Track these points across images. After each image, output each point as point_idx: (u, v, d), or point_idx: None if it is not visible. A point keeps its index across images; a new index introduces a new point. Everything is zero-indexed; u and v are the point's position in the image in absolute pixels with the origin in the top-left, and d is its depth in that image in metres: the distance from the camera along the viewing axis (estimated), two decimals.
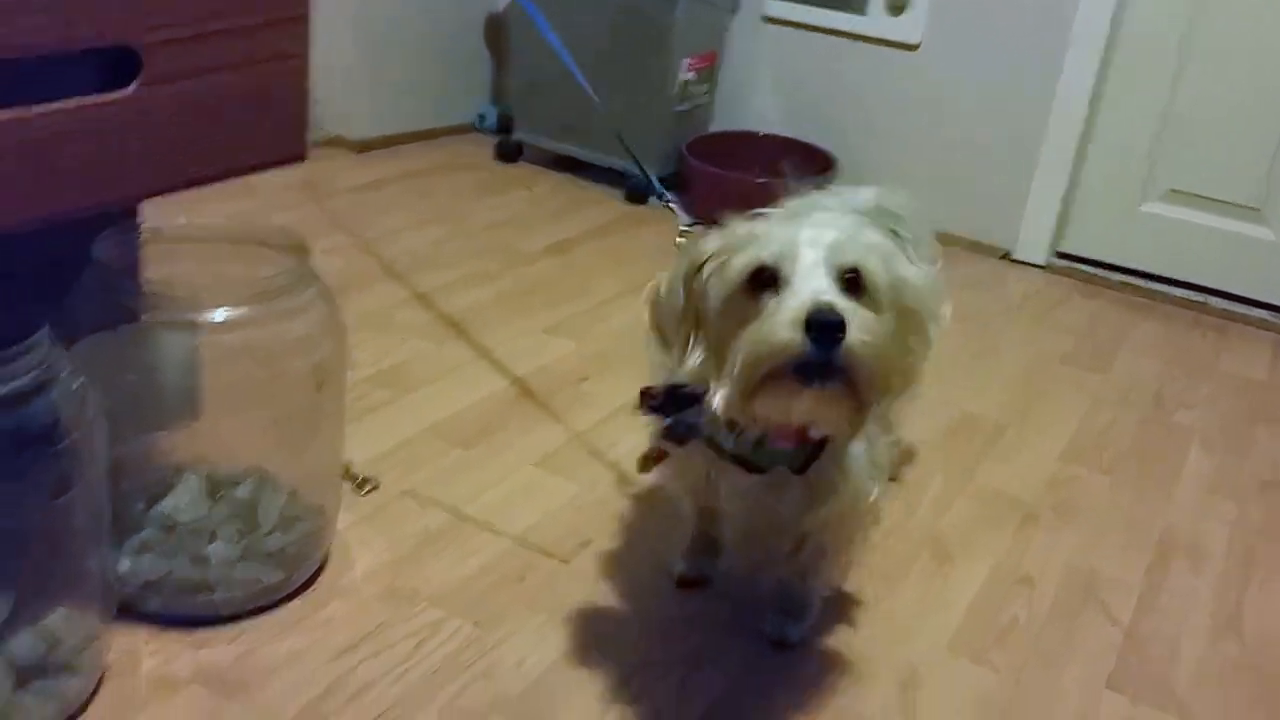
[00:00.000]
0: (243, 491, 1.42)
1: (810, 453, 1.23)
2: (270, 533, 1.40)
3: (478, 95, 3.59)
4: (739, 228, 1.13)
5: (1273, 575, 1.72)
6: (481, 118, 3.57)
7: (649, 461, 1.33)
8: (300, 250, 1.38)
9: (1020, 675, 1.44)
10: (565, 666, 1.34)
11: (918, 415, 1.98)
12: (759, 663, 1.40)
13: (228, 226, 1.44)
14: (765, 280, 1.06)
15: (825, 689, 1.37)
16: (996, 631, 1.52)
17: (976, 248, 3.07)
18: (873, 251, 1.10)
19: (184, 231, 1.43)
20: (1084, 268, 3.01)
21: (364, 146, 3.25)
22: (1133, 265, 2.96)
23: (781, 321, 1.01)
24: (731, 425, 1.18)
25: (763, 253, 1.07)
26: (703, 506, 1.47)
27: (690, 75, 3.14)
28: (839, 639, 1.46)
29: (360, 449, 1.70)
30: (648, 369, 1.30)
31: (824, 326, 1.00)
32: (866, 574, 1.59)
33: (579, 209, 3.02)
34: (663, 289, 1.17)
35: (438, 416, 1.87)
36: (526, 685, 1.31)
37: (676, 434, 1.25)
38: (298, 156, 1.37)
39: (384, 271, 2.44)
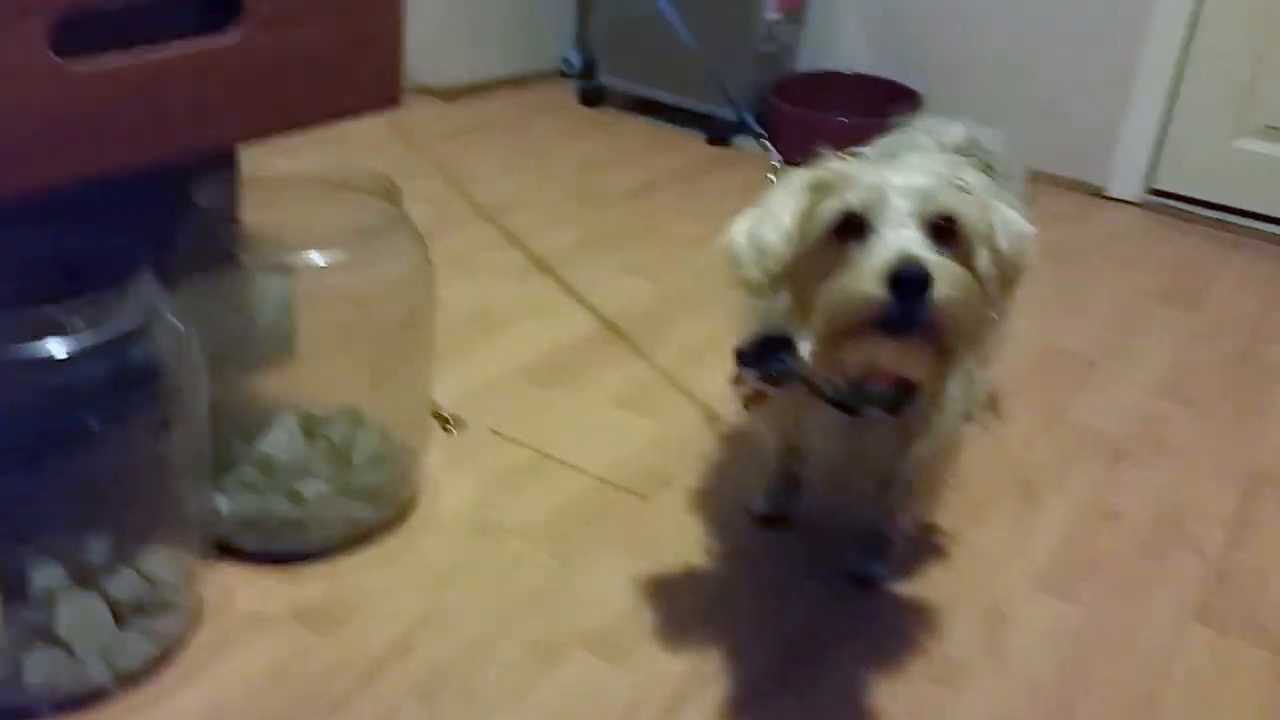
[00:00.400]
0: (336, 431, 1.45)
1: (905, 393, 1.21)
2: (362, 470, 1.43)
3: (563, 41, 3.58)
4: (830, 167, 1.10)
5: None
6: (567, 62, 3.56)
7: (751, 402, 1.32)
8: (392, 195, 1.40)
9: (1106, 609, 1.43)
10: (645, 601, 1.36)
11: (1007, 352, 1.96)
12: (840, 600, 1.41)
13: (322, 172, 1.46)
14: (853, 227, 1.04)
15: (908, 626, 1.37)
16: (1083, 567, 1.50)
17: (1069, 184, 3.00)
18: (967, 197, 1.06)
19: (281, 177, 1.46)
20: (1177, 204, 2.92)
21: (452, 93, 3.27)
22: (1227, 202, 2.86)
23: (866, 274, 0.99)
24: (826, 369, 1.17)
25: (851, 199, 1.04)
26: (789, 444, 1.47)
27: (776, 15, 3.09)
28: (922, 576, 1.46)
29: (447, 389, 1.73)
30: (732, 317, 1.30)
31: (909, 282, 0.97)
32: (952, 512, 1.57)
33: (661, 152, 3.01)
34: (748, 229, 1.13)
35: (522, 356, 1.90)
36: (607, 618, 1.33)
37: (774, 378, 1.24)
38: (393, 101, 1.39)
39: (471, 215, 2.47)
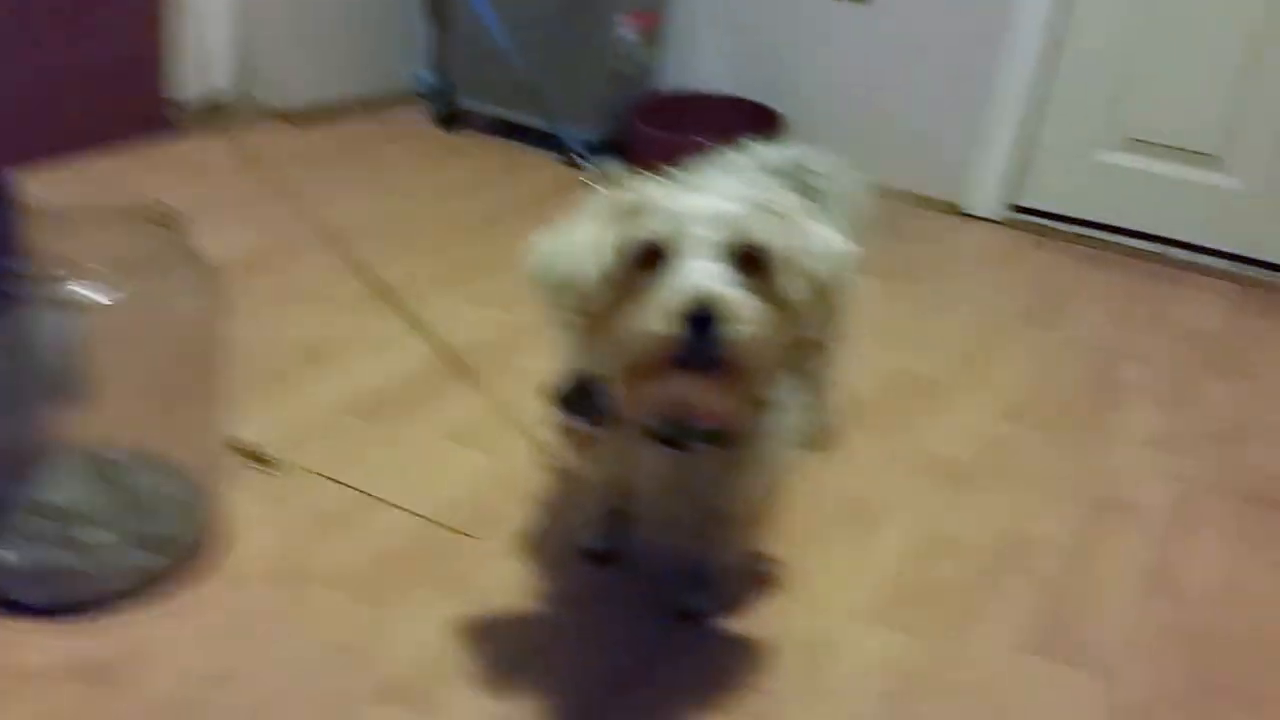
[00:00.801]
0: (126, 475, 1.36)
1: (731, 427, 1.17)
2: (153, 517, 1.35)
3: (418, 62, 3.50)
4: (637, 191, 1.06)
5: (1212, 531, 1.68)
6: (420, 82, 3.49)
7: (578, 444, 1.29)
8: (173, 224, 1.32)
9: (935, 640, 1.40)
10: (463, 647, 1.29)
11: (855, 375, 1.94)
12: (664, 638, 1.35)
13: (106, 204, 1.38)
14: (655, 257, 1.00)
15: (731, 661, 1.33)
16: (917, 595, 1.47)
17: (931, 203, 3.01)
18: (775, 222, 1.03)
19: (61, 208, 1.37)
20: (1039, 220, 2.95)
21: (302, 117, 3.17)
22: (1089, 217, 2.90)
23: (658, 311, 0.97)
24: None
25: (651, 229, 1.00)
26: (618, 482, 1.41)
27: (629, 34, 3.05)
28: (752, 608, 1.42)
29: (269, 427, 1.65)
30: (553, 352, 1.25)
31: (699, 320, 0.95)
32: (786, 540, 1.53)
33: (517, 175, 2.95)
34: (549, 257, 1.08)
35: (354, 391, 1.82)
36: (418, 668, 1.26)
37: (596, 418, 1.20)
38: (160, 125, 1.32)
39: (316, 243, 2.37)
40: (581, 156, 1.57)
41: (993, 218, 2.96)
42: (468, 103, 3.25)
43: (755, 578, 1.47)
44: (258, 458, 1.58)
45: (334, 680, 1.23)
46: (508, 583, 1.41)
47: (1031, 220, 2.95)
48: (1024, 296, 2.50)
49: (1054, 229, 2.92)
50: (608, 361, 1.06)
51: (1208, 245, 2.78)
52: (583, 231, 1.06)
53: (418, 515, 1.52)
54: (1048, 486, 1.75)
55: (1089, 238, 2.88)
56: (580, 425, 1.23)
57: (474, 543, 1.48)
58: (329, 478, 1.57)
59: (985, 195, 2.96)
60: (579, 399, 1.20)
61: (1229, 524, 1.70)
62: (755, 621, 1.39)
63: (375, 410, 1.76)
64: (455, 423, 1.76)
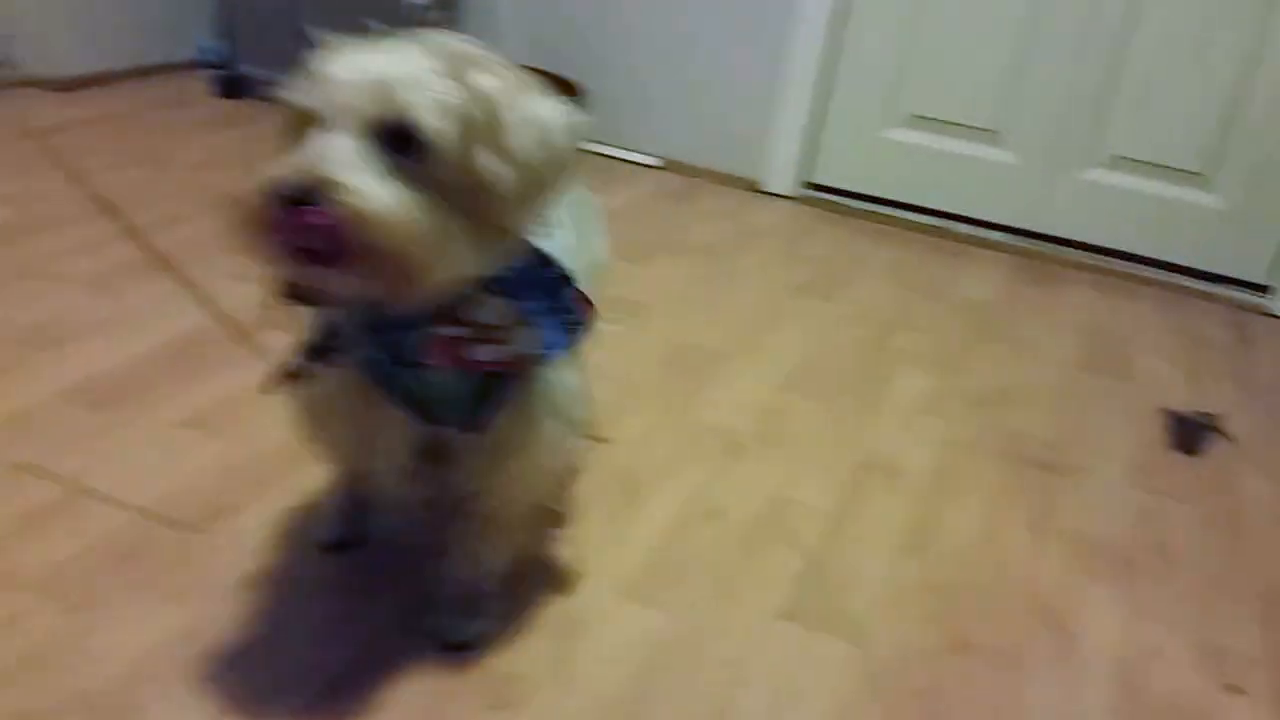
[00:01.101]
0: None
1: (485, 397, 1.07)
2: None
3: (202, 30, 3.32)
4: (318, 60, 0.95)
5: (968, 490, 1.70)
6: (204, 51, 3.30)
7: (281, 380, 1.13)
8: None
9: (692, 613, 1.36)
10: (171, 650, 1.19)
11: (634, 350, 1.90)
12: (398, 628, 1.28)
13: None
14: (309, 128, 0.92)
15: (479, 648, 1.26)
16: (676, 570, 1.44)
17: (729, 180, 3.01)
18: (436, 93, 0.90)
19: None
20: (831, 198, 2.98)
21: (69, 84, 2.96)
22: (878, 193, 2.95)
23: (261, 176, 0.88)
24: (375, 328, 1.03)
25: (300, 99, 0.93)
26: (353, 464, 1.28)
27: (423, 1, 2.95)
28: (504, 594, 1.35)
29: None
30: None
31: (283, 193, 0.86)
32: (549, 520, 1.48)
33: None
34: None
35: (77, 376, 1.68)
36: (114, 678, 1.15)
37: (322, 345, 1.08)
38: None
39: (63, 218, 2.20)
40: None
41: (789, 195, 2.98)
42: (251, 70, 3.10)
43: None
44: None
45: (15, 697, 1.11)
46: (233, 580, 1.31)
47: (824, 197, 2.98)
48: (810, 271, 2.51)
49: (845, 205, 2.96)
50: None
51: (988, 219, 2.85)
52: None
53: (132, 508, 1.40)
54: (816, 454, 1.75)
55: (878, 214, 2.92)
56: (309, 361, 1.10)
57: (200, 538, 1.37)
58: (39, 472, 1.44)
59: (781, 173, 2.98)
60: (323, 348, 1.09)
61: (986, 483, 1.72)
62: (507, 601, 1.33)
63: (107, 398, 1.63)
64: (193, 408, 1.64)
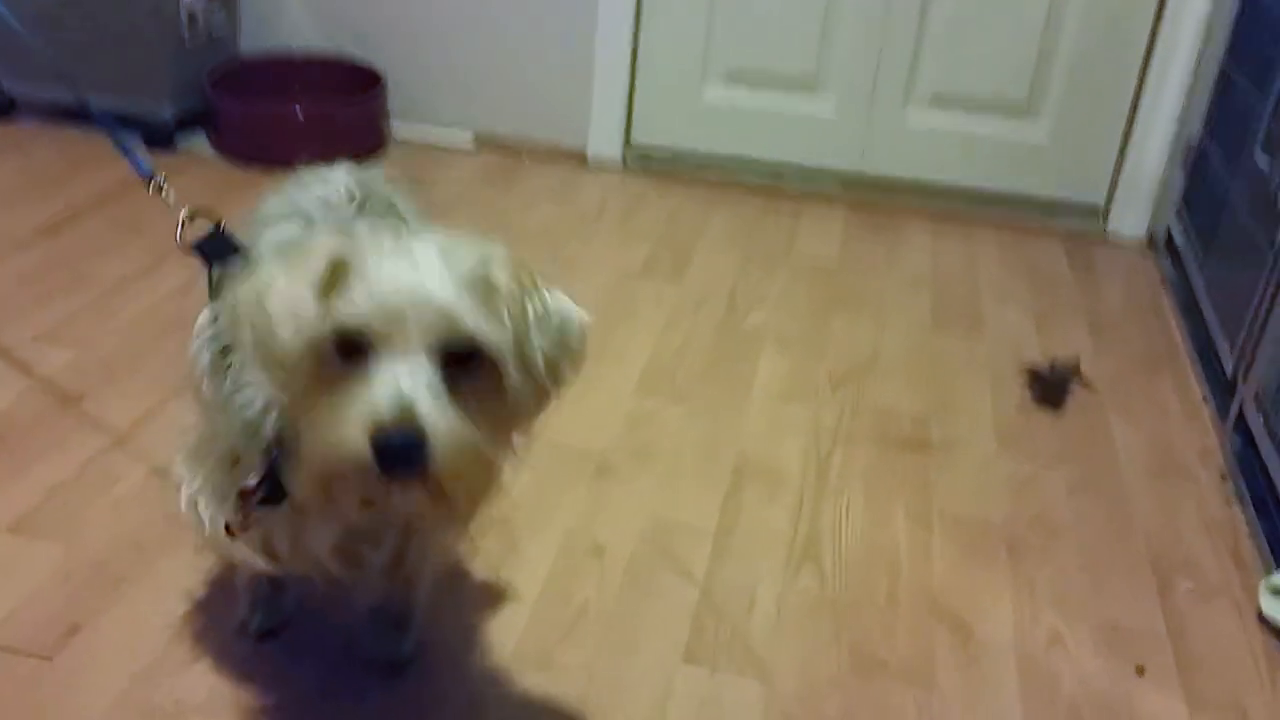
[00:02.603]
0: None
1: None
2: None
3: None
4: (346, 249, 0.91)
5: (846, 485, 1.70)
6: None
7: (233, 532, 1.10)
8: None
9: (592, 670, 1.32)
10: None
11: None
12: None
13: None
14: (357, 345, 0.88)
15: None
16: (565, 624, 1.39)
17: (553, 154, 2.92)
18: (496, 307, 0.91)
19: None
20: (660, 165, 2.92)
21: None
22: (704, 151, 2.91)
23: (353, 427, 0.86)
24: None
25: (352, 316, 0.88)
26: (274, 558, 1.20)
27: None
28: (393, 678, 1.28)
29: None
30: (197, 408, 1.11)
31: (395, 451, 0.85)
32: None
33: (86, 170, 2.59)
34: (272, 300, 0.91)
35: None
36: None
37: (266, 499, 1.05)
38: None
39: None
40: (123, 146, 1.35)
41: (616, 166, 2.91)
42: (16, 87, 2.82)
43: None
44: None
45: None
46: (96, 708, 1.20)
47: (653, 165, 2.93)
48: (648, 249, 2.46)
49: (675, 172, 2.91)
50: (300, 461, 0.93)
51: (815, 167, 2.85)
52: (280, 286, 0.91)
53: None
54: (689, 465, 1.72)
55: (706, 177, 2.89)
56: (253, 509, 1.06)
57: (47, 663, 1.25)
58: None
59: (606, 142, 2.91)
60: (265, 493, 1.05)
61: (862, 473, 1.73)
62: (404, 687, 1.25)
63: None
64: (11, 509, 1.49)
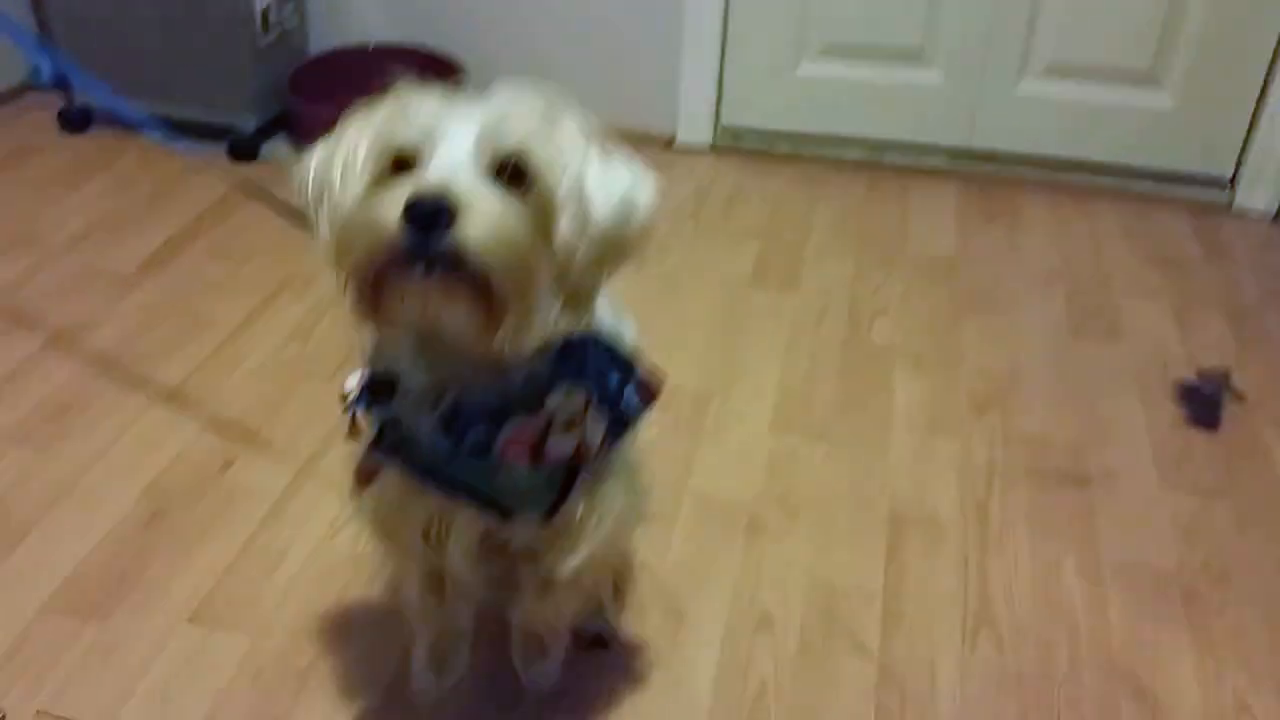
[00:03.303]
0: None
1: (561, 482, 1.11)
2: None
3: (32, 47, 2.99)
4: (398, 99, 0.97)
5: (1008, 533, 1.68)
6: (37, 72, 2.99)
7: (362, 480, 1.15)
8: None
9: None
10: None
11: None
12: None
13: None
14: (407, 165, 0.94)
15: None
16: (746, 708, 1.40)
17: (640, 138, 2.85)
18: (546, 136, 0.95)
19: None
20: (751, 145, 2.87)
21: None
22: (800, 131, 2.85)
23: (384, 205, 0.89)
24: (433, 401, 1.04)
25: (402, 134, 0.94)
26: (425, 571, 1.28)
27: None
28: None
29: None
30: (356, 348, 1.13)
31: (422, 210, 0.87)
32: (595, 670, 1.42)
33: (178, 188, 2.58)
34: (337, 157, 0.98)
35: (51, 580, 1.54)
36: None
37: (386, 439, 1.09)
38: None
39: None
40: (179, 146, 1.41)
41: (705, 149, 2.86)
42: (90, 94, 2.81)
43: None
44: None
45: None
46: None
47: (745, 147, 2.87)
48: (756, 250, 2.42)
49: (768, 153, 2.85)
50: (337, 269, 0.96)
51: (923, 140, 2.78)
52: (341, 143, 0.99)
53: None
54: (841, 516, 1.71)
55: (805, 159, 2.83)
56: (376, 454, 1.11)
57: None
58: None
59: (696, 125, 2.86)
60: (374, 399, 1.09)
61: (1024, 520, 1.71)
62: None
63: (85, 604, 1.51)
64: (188, 596, 1.52)
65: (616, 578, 1.49)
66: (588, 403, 1.07)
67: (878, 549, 1.64)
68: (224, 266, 2.31)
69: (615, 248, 0.99)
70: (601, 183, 0.97)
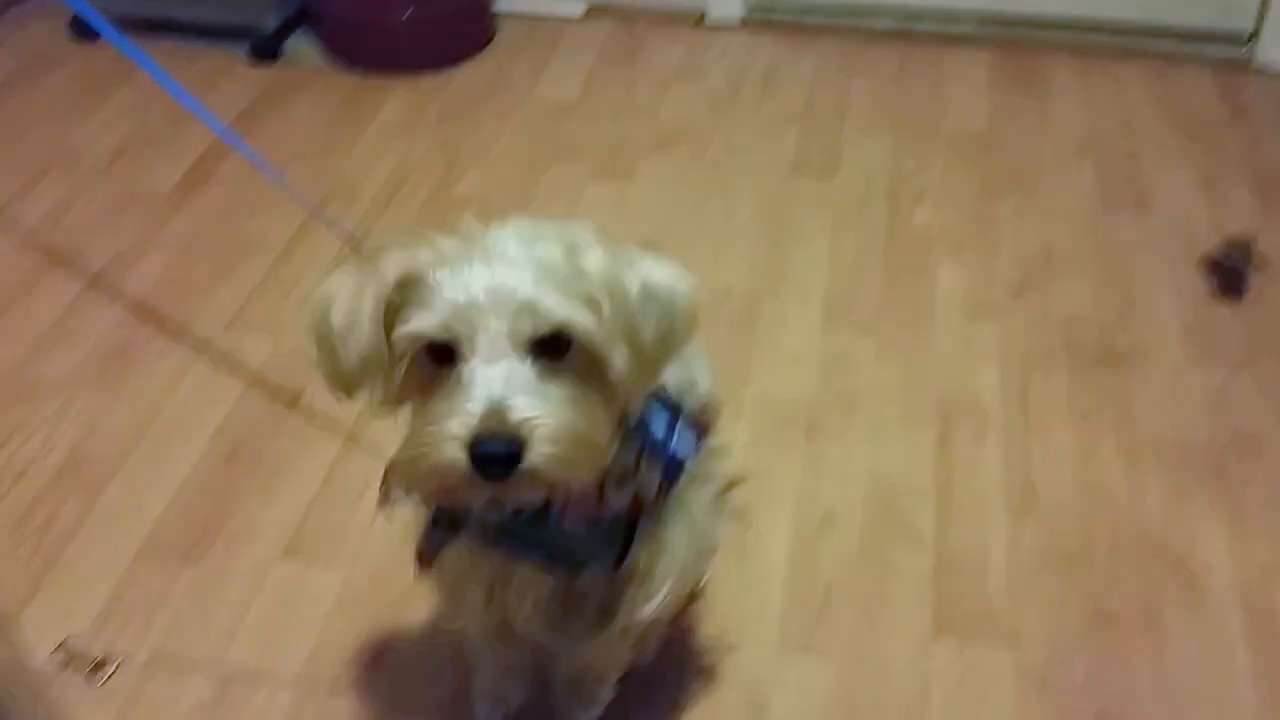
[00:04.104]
0: None
1: (623, 533, 1.12)
2: None
3: None
4: (416, 258, 0.95)
5: (1050, 417, 1.82)
6: None
7: (424, 562, 1.18)
8: None
9: (853, 654, 1.51)
10: None
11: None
12: None
13: None
14: (443, 352, 0.94)
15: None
16: (817, 607, 1.57)
17: (670, 18, 2.89)
18: (584, 290, 0.94)
19: None
20: (783, 18, 2.90)
21: None
22: (832, 2, 2.88)
23: (446, 436, 0.91)
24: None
25: (431, 326, 0.93)
26: (494, 627, 1.30)
27: None
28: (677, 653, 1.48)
29: (71, 611, 1.55)
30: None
31: (491, 456, 0.90)
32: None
33: (204, 98, 2.62)
34: (335, 315, 0.97)
35: (141, 527, 1.69)
36: None
37: (444, 521, 1.13)
38: None
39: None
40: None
41: (736, 24, 2.90)
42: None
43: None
44: (86, 661, 1.49)
45: None
46: None
47: (776, 20, 2.91)
48: (795, 137, 2.50)
49: (800, 26, 2.89)
50: (403, 477, 1.01)
51: (955, 6, 2.82)
52: (341, 297, 0.97)
53: (288, 684, 1.47)
54: (893, 411, 1.85)
55: (838, 30, 2.87)
56: (437, 533, 1.14)
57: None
58: (177, 661, 1.50)
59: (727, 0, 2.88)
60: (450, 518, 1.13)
61: (1063, 403, 1.85)
62: (689, 665, 1.46)
63: (181, 545, 1.66)
64: (279, 535, 1.67)
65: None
66: (639, 455, 1.09)
67: (928, 442, 1.79)
68: (263, 181, 2.37)
69: (668, 348, 1.02)
70: (643, 302, 0.97)
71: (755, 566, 1.62)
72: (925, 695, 1.46)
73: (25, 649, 1.32)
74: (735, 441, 1.78)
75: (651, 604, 1.17)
